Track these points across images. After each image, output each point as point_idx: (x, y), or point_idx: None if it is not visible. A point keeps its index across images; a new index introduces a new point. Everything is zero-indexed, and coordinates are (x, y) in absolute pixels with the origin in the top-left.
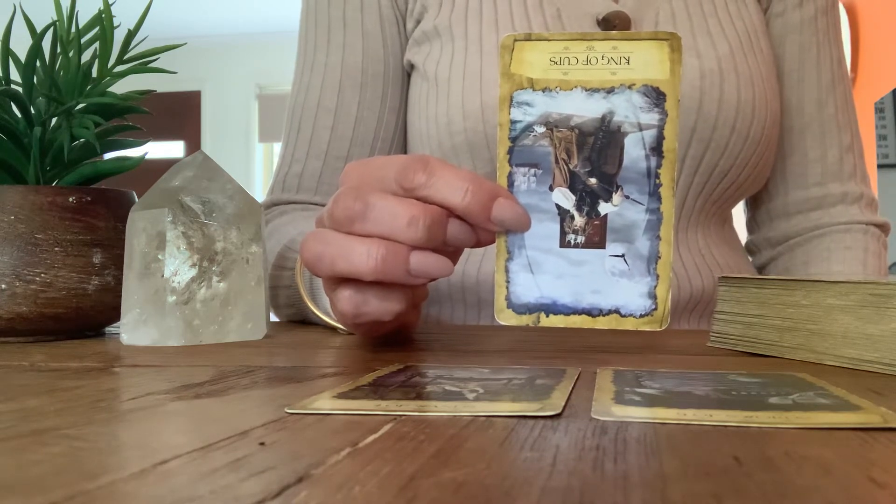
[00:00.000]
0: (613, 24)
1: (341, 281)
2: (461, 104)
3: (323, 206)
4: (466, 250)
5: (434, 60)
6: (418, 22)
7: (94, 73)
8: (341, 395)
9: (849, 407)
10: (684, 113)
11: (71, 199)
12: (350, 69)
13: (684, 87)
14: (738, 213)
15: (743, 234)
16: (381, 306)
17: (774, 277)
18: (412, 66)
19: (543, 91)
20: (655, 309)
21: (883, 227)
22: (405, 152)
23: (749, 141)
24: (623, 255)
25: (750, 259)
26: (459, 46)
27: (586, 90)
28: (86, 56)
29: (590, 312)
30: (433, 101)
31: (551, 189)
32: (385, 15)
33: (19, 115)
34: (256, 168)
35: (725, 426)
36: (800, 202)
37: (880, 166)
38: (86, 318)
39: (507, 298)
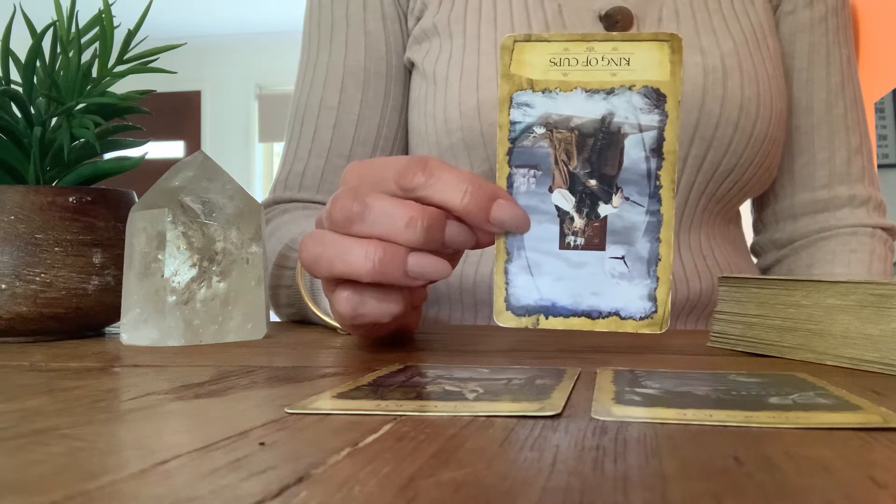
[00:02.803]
0: (615, 19)
1: (339, 282)
2: (458, 102)
3: (325, 204)
4: (465, 252)
5: (433, 58)
6: (419, 19)
7: (94, 73)
8: (341, 395)
9: (849, 407)
10: (686, 111)
11: (71, 199)
12: (352, 68)
13: (686, 85)
14: (748, 215)
15: (750, 235)
16: (379, 308)
17: (775, 277)
18: (412, 64)
19: (543, 92)
20: (655, 311)
21: (891, 231)
22: (408, 151)
23: (753, 140)
24: (623, 258)
25: (755, 260)
26: (458, 44)
27: (586, 91)
28: (86, 56)
29: (589, 315)
30: (431, 100)
31: (551, 190)
32: (387, 13)
33: (19, 115)
34: (256, 168)
35: (725, 426)
36: (806, 204)
37: (880, 166)
38: (86, 318)
39: (507, 300)
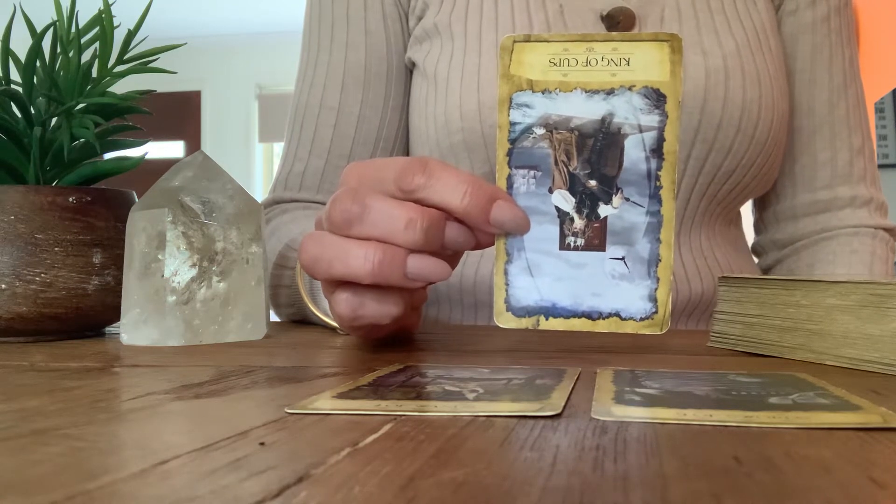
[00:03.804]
0: (617, 20)
1: (339, 284)
2: (459, 103)
3: (325, 204)
4: (464, 252)
5: (434, 59)
6: (420, 19)
7: (94, 73)
8: (341, 395)
9: (849, 407)
10: (688, 113)
11: (71, 199)
12: (353, 67)
13: (688, 86)
14: (748, 214)
15: (750, 236)
16: (379, 309)
17: (775, 277)
18: (413, 64)
19: (543, 93)
20: (656, 312)
21: (892, 232)
22: (408, 152)
23: (754, 141)
24: (623, 258)
25: (756, 261)
26: (458, 45)
27: (586, 92)
28: (86, 56)
29: (590, 315)
30: (432, 101)
31: (551, 191)
32: (388, 13)
33: (19, 115)
34: (256, 168)
35: (725, 426)
36: (807, 205)
37: (880, 166)
38: (86, 318)
39: (507, 301)
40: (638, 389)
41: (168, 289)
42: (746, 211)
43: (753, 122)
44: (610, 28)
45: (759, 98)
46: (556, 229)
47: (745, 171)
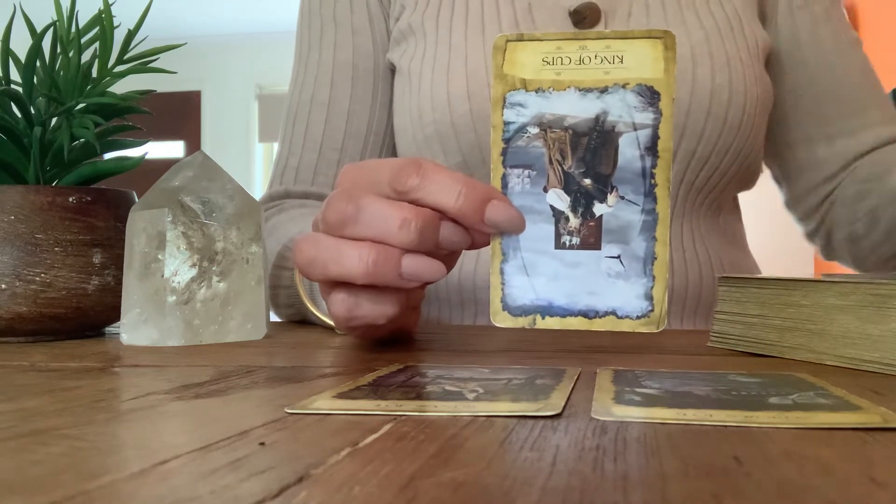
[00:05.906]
0: (584, 15)
1: (334, 284)
2: (430, 96)
3: (320, 196)
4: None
5: (408, 57)
6: (397, 21)
7: (94, 73)
8: (341, 395)
9: (849, 407)
10: None
11: (71, 199)
12: (341, 65)
13: None
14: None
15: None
16: (374, 309)
17: (774, 277)
18: (393, 66)
19: (536, 92)
20: (652, 310)
21: None
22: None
23: (727, 126)
24: (619, 257)
25: (799, 215)
26: (430, 41)
27: (580, 90)
28: (86, 56)
29: (586, 314)
30: (407, 96)
31: (546, 190)
32: (373, 13)
33: (19, 115)
34: (256, 168)
35: (725, 426)
36: (833, 132)
37: None
38: (86, 318)
39: (503, 301)
40: (638, 389)
41: (168, 289)
42: (745, 203)
43: (724, 106)
44: (577, 24)
45: (729, 82)
46: (552, 228)
47: (721, 157)
